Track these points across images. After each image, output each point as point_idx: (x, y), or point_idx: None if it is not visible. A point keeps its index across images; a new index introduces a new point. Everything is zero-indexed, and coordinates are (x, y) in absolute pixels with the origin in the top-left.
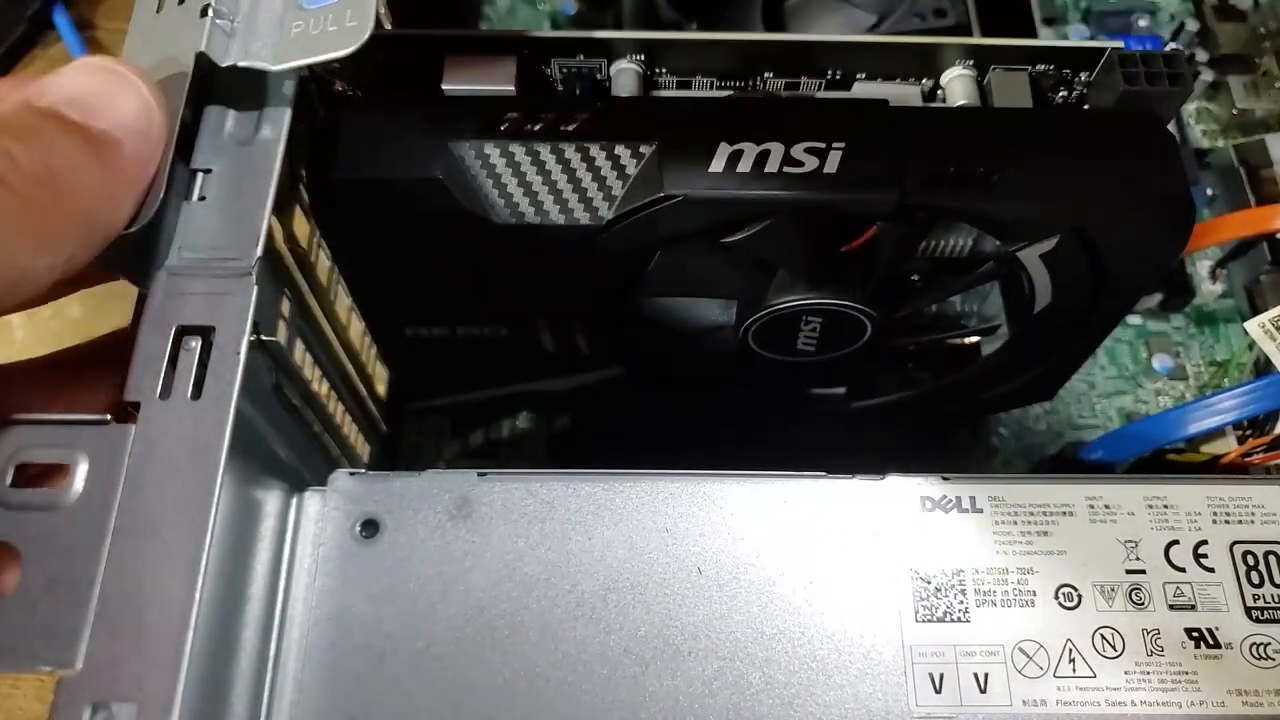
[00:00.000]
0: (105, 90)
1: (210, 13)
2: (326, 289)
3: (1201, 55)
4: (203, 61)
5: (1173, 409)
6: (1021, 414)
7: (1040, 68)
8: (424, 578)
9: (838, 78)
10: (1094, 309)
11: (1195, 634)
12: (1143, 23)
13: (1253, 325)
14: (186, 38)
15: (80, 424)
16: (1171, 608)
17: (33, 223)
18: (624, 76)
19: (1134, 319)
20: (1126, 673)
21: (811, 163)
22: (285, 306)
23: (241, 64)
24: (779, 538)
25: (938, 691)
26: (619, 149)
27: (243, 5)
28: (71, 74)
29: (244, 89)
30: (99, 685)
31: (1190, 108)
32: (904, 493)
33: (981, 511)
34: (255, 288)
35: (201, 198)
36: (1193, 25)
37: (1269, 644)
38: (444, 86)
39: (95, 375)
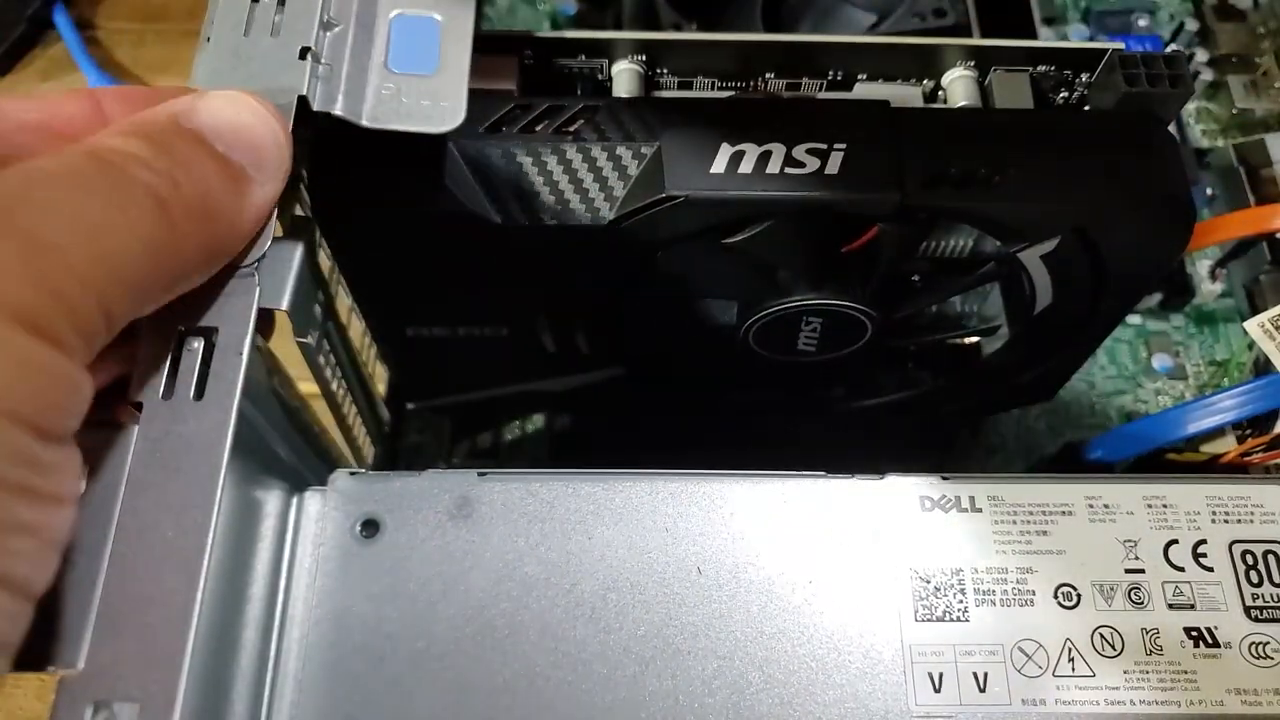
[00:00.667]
0: (248, 124)
1: (310, 57)
2: (328, 286)
3: (1201, 55)
4: (303, 105)
5: (1173, 409)
6: (1021, 414)
7: (1041, 69)
8: (424, 578)
9: (839, 78)
10: (1094, 309)
11: (1194, 633)
12: (1143, 23)
13: (1252, 325)
14: (282, 74)
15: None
16: (1171, 607)
17: (174, 247)
18: (625, 77)
19: (1134, 319)
20: (1126, 672)
21: (813, 164)
22: (317, 311)
23: (336, 113)
24: (779, 538)
25: (937, 691)
26: (620, 150)
27: (331, 52)
28: (218, 103)
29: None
30: (100, 685)
31: (1190, 108)
32: (904, 492)
33: (981, 511)
34: (258, 288)
35: None
36: (1193, 25)
37: (1268, 643)
38: None
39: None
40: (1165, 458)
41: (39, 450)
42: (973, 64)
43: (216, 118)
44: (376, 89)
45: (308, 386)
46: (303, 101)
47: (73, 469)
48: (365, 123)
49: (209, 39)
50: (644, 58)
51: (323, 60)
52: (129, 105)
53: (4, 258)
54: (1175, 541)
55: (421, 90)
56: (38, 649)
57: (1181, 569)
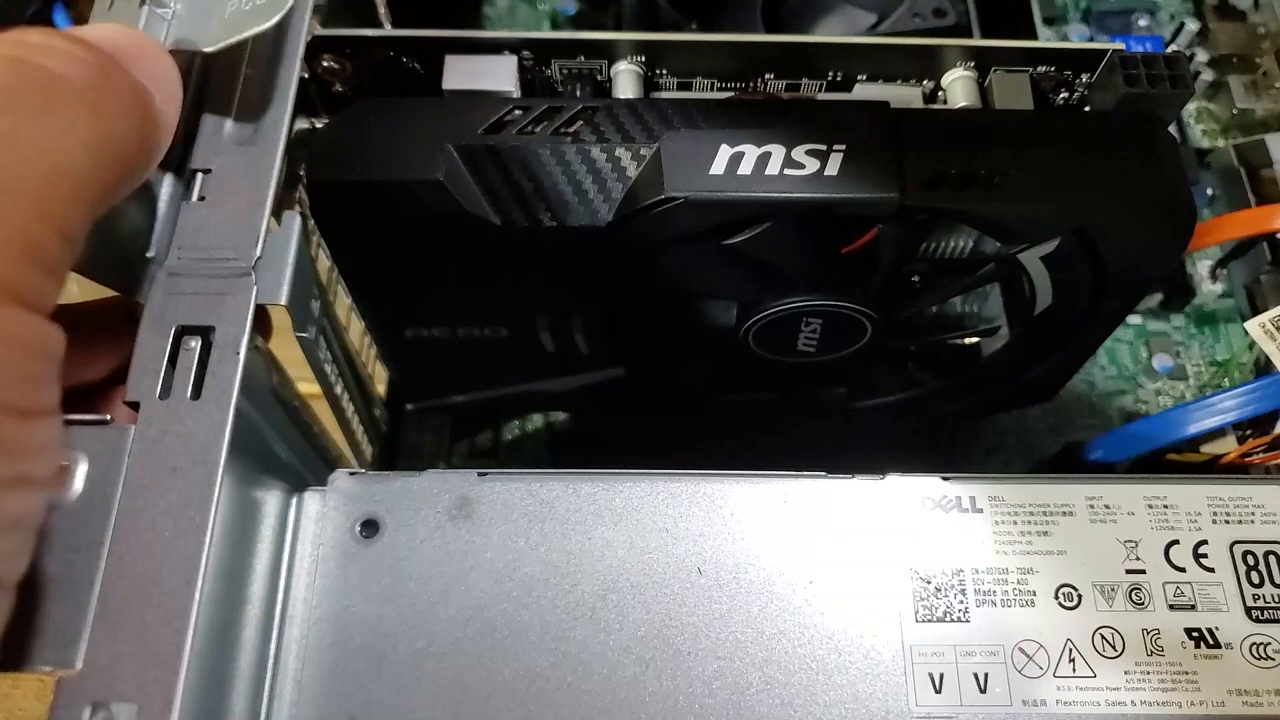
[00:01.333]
0: (139, 45)
1: (147, 3)
2: (326, 289)
3: (1201, 55)
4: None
5: (1173, 409)
6: (1021, 414)
7: (1041, 69)
8: (424, 578)
9: (838, 79)
10: (1095, 310)
11: (1195, 634)
12: (1143, 23)
13: (1253, 325)
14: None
15: (80, 424)
16: (1171, 608)
17: (111, 141)
18: (624, 77)
19: (1134, 319)
20: (1126, 673)
21: (813, 165)
22: (315, 306)
23: (172, 47)
24: (779, 538)
25: (938, 691)
26: (620, 150)
27: None
28: (105, 29)
29: (245, 90)
30: (99, 685)
31: (1190, 108)
32: (904, 493)
33: (981, 511)
34: (255, 287)
35: (201, 198)
36: (1193, 25)
37: (1269, 644)
38: (444, 86)
39: (97, 340)
40: (1166, 458)
41: (20, 432)
42: (973, 64)
43: (107, 37)
44: (220, 12)
45: (307, 386)
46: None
47: (56, 442)
48: (205, 48)
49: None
50: (643, 58)
51: (168, 4)
52: None
53: None
54: (1176, 542)
55: None
56: (36, 649)
57: (1182, 569)
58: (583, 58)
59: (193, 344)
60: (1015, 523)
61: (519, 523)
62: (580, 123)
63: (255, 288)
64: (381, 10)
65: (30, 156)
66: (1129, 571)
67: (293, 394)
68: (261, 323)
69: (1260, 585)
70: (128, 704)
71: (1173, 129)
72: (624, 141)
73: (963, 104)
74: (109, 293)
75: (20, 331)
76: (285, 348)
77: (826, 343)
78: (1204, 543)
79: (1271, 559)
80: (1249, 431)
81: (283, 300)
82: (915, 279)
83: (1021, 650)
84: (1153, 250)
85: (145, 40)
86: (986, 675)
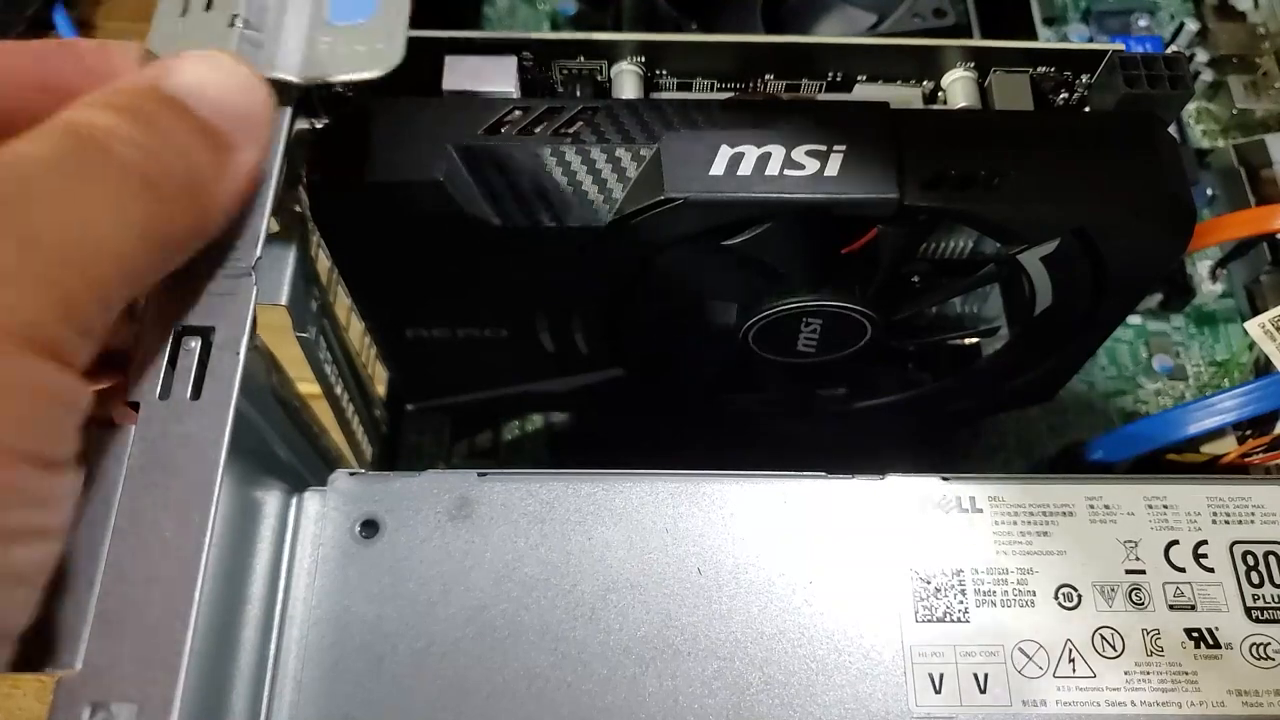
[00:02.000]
0: (227, 85)
1: (238, 23)
2: (326, 289)
3: (1201, 55)
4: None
5: (1173, 409)
6: (1021, 414)
7: (1041, 70)
8: (424, 578)
9: (838, 80)
10: (1095, 310)
11: (1195, 634)
12: (1143, 23)
13: (1253, 325)
14: (214, 46)
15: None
16: (1171, 608)
17: (163, 225)
18: (624, 78)
19: (1134, 319)
20: (1126, 673)
21: (812, 165)
22: (315, 306)
23: (269, 75)
24: (779, 538)
25: (937, 691)
26: (619, 151)
27: (270, 16)
28: (196, 64)
29: None
30: (99, 685)
31: (1190, 108)
32: (904, 493)
33: (981, 511)
34: (255, 288)
35: None
36: (1193, 26)
37: (1269, 644)
38: (444, 87)
39: None
40: (1166, 458)
41: (41, 483)
42: (972, 65)
43: (195, 79)
44: (314, 44)
45: (307, 386)
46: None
47: (73, 494)
48: (298, 80)
49: (155, 29)
50: (643, 59)
51: (258, 28)
52: (104, 57)
53: (3, 263)
54: (1176, 542)
55: (358, 38)
56: (36, 650)
57: (1182, 570)
58: (583, 58)
59: (193, 344)
60: (1015, 523)
61: (519, 523)
62: (580, 123)
63: (255, 288)
64: None
65: (76, 225)
66: (1129, 572)
67: (293, 394)
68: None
69: (1260, 585)
70: (128, 704)
71: (1173, 129)
72: (624, 142)
73: (963, 104)
74: None
75: (51, 385)
76: (285, 348)
77: (826, 343)
78: (1204, 543)
79: (1271, 559)
80: (1249, 431)
81: (283, 300)
82: (915, 279)
83: (1021, 650)
84: (1153, 250)
85: (242, 87)
86: (986, 675)
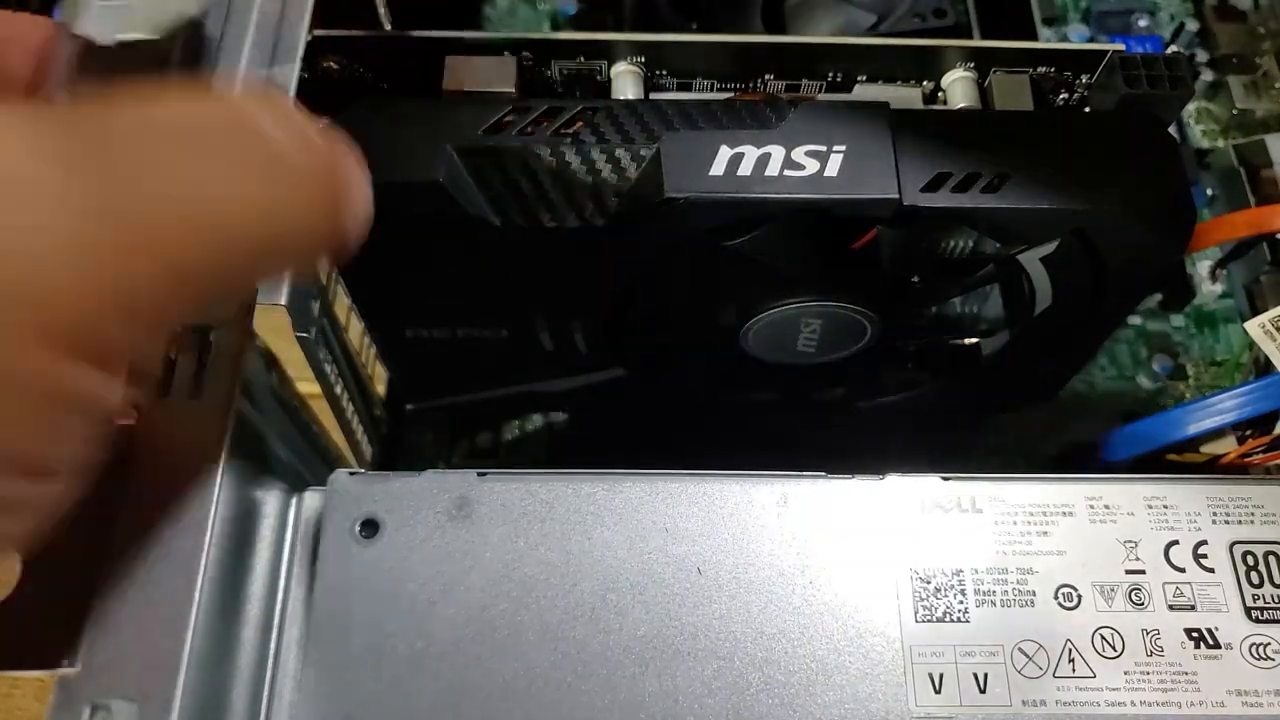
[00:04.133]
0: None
1: None
2: (326, 289)
3: (1201, 55)
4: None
5: (1173, 409)
6: (1021, 414)
7: (1041, 70)
8: (424, 578)
9: (838, 80)
10: (1094, 311)
11: (1195, 634)
12: (1143, 23)
13: (1253, 325)
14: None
15: None
16: (1171, 608)
17: (285, 223)
18: (624, 78)
19: (1134, 319)
20: (1126, 673)
21: (812, 166)
22: (315, 306)
23: (120, 37)
24: (779, 538)
25: (937, 692)
26: (619, 152)
27: None
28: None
29: (244, 89)
30: (99, 685)
31: (1190, 108)
32: (904, 493)
33: (981, 512)
34: (255, 288)
35: None
36: (1193, 26)
37: (1269, 644)
38: (444, 87)
39: None
40: (1166, 458)
41: (32, 493)
42: (972, 65)
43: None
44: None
45: (307, 386)
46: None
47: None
48: (150, 35)
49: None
50: (643, 59)
51: None
52: (11, 25)
53: (117, 241)
54: (1176, 542)
55: None
56: (36, 649)
57: (1182, 570)
58: (583, 58)
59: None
60: (1015, 523)
61: (519, 523)
62: (580, 123)
63: (255, 289)
64: (381, 10)
65: (203, 202)
66: (1129, 572)
67: (293, 394)
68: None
69: (1260, 585)
70: (128, 704)
71: (1173, 129)
72: (624, 142)
73: (963, 104)
74: None
75: (89, 395)
76: (285, 348)
77: (826, 343)
78: (1204, 543)
79: (1271, 559)
80: (1249, 431)
81: (283, 300)
82: (915, 280)
83: (1021, 650)
84: (1153, 251)
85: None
86: (986, 675)
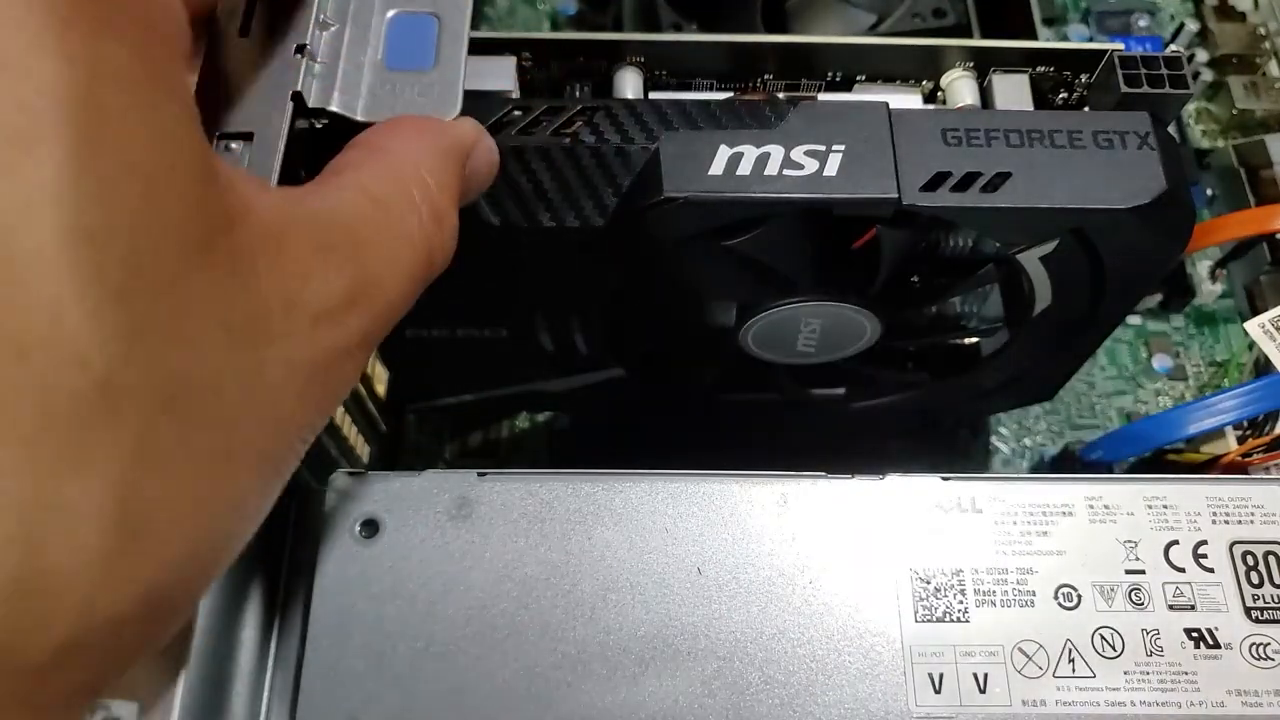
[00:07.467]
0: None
1: (304, 54)
2: None
3: (1201, 55)
4: (297, 101)
5: (1173, 409)
6: (1021, 414)
7: (1041, 69)
8: (424, 578)
9: (838, 79)
10: (1094, 310)
11: (1195, 634)
12: (1143, 23)
13: (1253, 325)
14: (279, 72)
15: None
16: (1171, 608)
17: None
18: (624, 78)
19: (1134, 319)
20: (1126, 673)
21: (812, 165)
22: None
23: (332, 109)
24: (779, 538)
25: (937, 692)
26: (619, 151)
27: (327, 50)
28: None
29: (244, 90)
30: None
31: (1190, 108)
32: (903, 493)
33: (981, 512)
34: None
35: None
36: (1193, 26)
37: (1268, 644)
38: None
39: None
40: (1165, 458)
41: None
42: (972, 65)
43: (482, 159)
44: (372, 86)
45: None
46: (298, 98)
47: None
48: (361, 117)
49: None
50: (643, 58)
51: (318, 59)
52: None
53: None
54: (1176, 542)
55: (417, 86)
56: None
57: (1182, 570)
58: (583, 58)
59: None
60: (1015, 523)
61: (519, 523)
62: (580, 123)
63: None
64: None
65: (384, 281)
66: (1129, 572)
67: None
68: None
69: (1260, 585)
70: (128, 703)
71: (1173, 129)
72: (623, 142)
73: (962, 104)
74: None
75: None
76: None
77: (826, 343)
78: (1204, 543)
79: (1271, 559)
80: (1249, 431)
81: None
82: (914, 279)
83: (1021, 650)
84: (1152, 250)
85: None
86: (986, 675)
